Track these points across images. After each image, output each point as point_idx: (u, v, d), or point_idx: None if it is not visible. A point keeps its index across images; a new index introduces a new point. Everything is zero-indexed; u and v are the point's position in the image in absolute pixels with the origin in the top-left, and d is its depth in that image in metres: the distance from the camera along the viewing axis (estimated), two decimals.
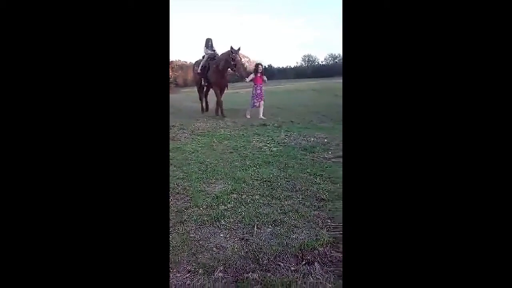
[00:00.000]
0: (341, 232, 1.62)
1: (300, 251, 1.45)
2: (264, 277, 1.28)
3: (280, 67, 44.09)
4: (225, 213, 1.88)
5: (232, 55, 5.92)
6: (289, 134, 4.31)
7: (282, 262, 1.39)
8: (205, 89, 7.08)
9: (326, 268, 1.34)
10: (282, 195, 2.14)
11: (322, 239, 1.54)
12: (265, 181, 2.43)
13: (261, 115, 5.89)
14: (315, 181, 2.39)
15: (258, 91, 5.93)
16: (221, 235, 1.65)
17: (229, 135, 4.43)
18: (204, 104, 7.17)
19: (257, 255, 1.44)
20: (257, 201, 2.06)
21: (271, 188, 2.28)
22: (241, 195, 2.18)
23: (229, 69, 5.99)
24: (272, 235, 1.63)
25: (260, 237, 1.61)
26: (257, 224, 1.74)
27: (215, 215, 1.85)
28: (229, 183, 2.41)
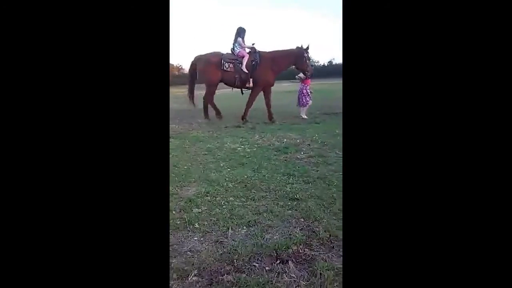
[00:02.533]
0: (314, 230, 1.66)
1: (274, 251, 1.47)
2: (239, 279, 1.28)
3: None
4: (199, 216, 1.86)
5: (306, 55, 5.51)
6: (263, 135, 4.35)
7: (257, 263, 1.40)
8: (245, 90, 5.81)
9: (300, 266, 1.37)
10: (257, 196, 2.15)
11: (295, 238, 1.57)
12: (239, 183, 2.43)
13: (305, 115, 5.96)
14: (289, 181, 2.43)
15: (305, 91, 6.01)
16: (195, 238, 1.63)
17: (202, 137, 4.37)
18: (214, 108, 5.82)
19: (232, 257, 1.43)
20: (232, 202, 2.06)
21: (246, 189, 2.29)
22: (215, 197, 2.16)
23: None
24: (246, 236, 1.63)
25: (235, 238, 1.61)
26: (232, 226, 1.74)
27: (188, 218, 1.82)
28: (203, 185, 2.39)
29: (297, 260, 1.41)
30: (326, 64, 37.10)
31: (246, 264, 1.39)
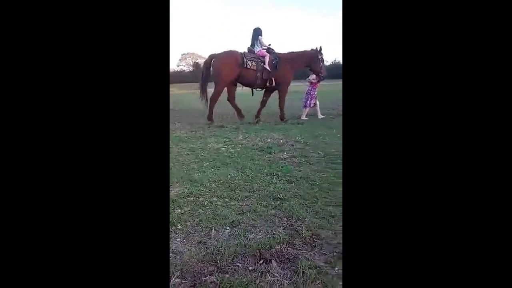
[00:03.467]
0: (296, 230, 1.68)
1: (258, 251, 1.48)
2: (222, 279, 1.27)
3: None
4: (181, 217, 1.84)
5: (320, 57, 5.60)
6: (246, 136, 4.35)
7: (240, 263, 1.40)
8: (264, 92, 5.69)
9: (283, 265, 1.38)
10: (240, 196, 2.15)
11: (279, 238, 1.58)
12: (223, 183, 2.42)
13: (320, 115, 6.03)
14: (272, 181, 2.45)
15: (313, 93, 6.04)
16: (177, 240, 1.61)
17: (185, 137, 4.32)
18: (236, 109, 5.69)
19: (215, 258, 1.42)
20: (215, 203, 2.05)
21: (229, 190, 2.28)
22: (198, 198, 2.14)
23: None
24: (230, 236, 1.63)
25: (218, 239, 1.60)
26: (215, 227, 1.73)
27: (171, 219, 1.79)
28: (186, 186, 2.36)
29: (280, 259, 1.42)
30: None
31: (230, 265, 1.38)
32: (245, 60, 5.26)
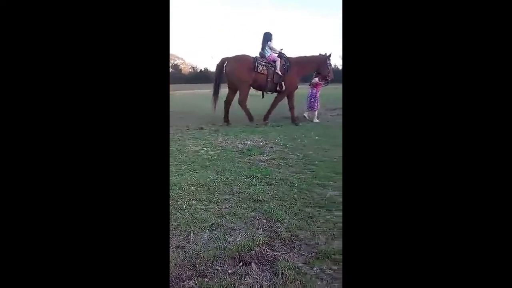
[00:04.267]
0: (276, 231, 1.70)
1: (237, 253, 1.47)
2: (202, 283, 1.26)
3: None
4: None
5: (329, 62, 5.78)
6: (226, 138, 4.33)
7: (220, 266, 1.39)
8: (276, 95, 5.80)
9: (262, 267, 1.39)
10: (220, 199, 2.14)
11: (258, 240, 1.59)
12: (202, 186, 2.40)
13: (316, 118, 6.18)
14: (252, 183, 2.45)
15: (318, 95, 6.26)
16: None
17: None
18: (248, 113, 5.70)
19: (194, 262, 1.41)
20: (194, 206, 2.02)
21: (208, 193, 2.26)
22: (177, 201, 2.10)
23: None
24: (209, 240, 1.61)
25: (197, 243, 1.58)
26: (194, 230, 1.70)
27: None
28: None
29: (260, 261, 1.43)
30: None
31: (209, 268, 1.37)
32: (256, 64, 5.39)
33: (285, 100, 5.83)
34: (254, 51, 5.89)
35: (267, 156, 3.34)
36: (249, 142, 4.03)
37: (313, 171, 2.77)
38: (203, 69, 42.73)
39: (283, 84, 5.56)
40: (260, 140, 4.19)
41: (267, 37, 5.61)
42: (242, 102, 5.56)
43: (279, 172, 2.76)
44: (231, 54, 5.67)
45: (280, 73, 5.46)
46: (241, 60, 5.49)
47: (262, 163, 3.10)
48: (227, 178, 2.57)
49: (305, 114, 6.46)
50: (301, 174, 2.69)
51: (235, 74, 5.41)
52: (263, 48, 5.62)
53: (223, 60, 5.55)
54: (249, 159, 3.22)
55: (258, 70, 5.41)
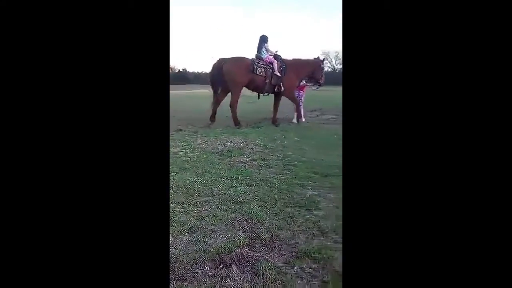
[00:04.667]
0: (256, 232, 1.70)
1: (217, 255, 1.46)
2: (181, 287, 1.23)
3: (196, 72, 43.44)
4: None
5: (322, 66, 6.03)
6: (206, 140, 4.28)
7: (200, 269, 1.36)
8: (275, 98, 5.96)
9: (243, 268, 1.38)
10: (199, 201, 2.11)
11: (238, 241, 1.58)
12: (181, 188, 2.35)
13: (296, 119, 6.16)
14: (232, 185, 2.44)
15: (303, 98, 6.36)
16: None
17: None
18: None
19: (173, 266, 1.37)
20: (173, 209, 1.98)
21: (188, 195, 2.22)
22: None
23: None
24: (189, 243, 1.59)
25: (176, 246, 1.54)
26: (173, 233, 1.67)
27: None
28: None
29: (240, 263, 1.42)
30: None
31: (188, 272, 1.34)
32: (255, 66, 5.42)
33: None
34: (245, 52, 5.94)
35: (248, 157, 3.34)
36: (229, 144, 4.01)
37: (292, 172, 2.80)
38: (181, 70, 42.15)
39: (281, 85, 5.65)
40: (241, 141, 4.18)
41: (264, 39, 5.68)
42: (233, 105, 5.51)
43: (259, 173, 2.76)
44: (217, 55, 5.71)
45: (279, 74, 5.56)
46: (239, 61, 5.48)
47: (242, 164, 3.09)
48: (207, 180, 2.54)
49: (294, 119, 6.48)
50: (281, 175, 2.71)
51: (231, 76, 5.37)
52: (259, 50, 5.67)
53: (221, 61, 5.51)
54: (230, 161, 3.20)
55: (257, 72, 5.43)
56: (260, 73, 5.47)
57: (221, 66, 5.45)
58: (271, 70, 5.56)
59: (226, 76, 5.40)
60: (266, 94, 5.86)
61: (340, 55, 42.09)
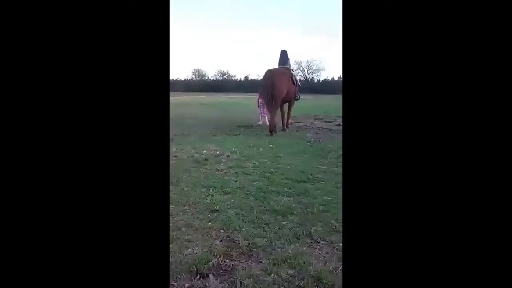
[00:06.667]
0: (234, 240, 1.70)
1: (194, 266, 1.44)
2: None
3: (171, 79, 42.70)
4: None
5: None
6: (181, 147, 4.22)
7: (176, 281, 1.34)
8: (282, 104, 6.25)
9: (220, 278, 1.38)
10: (175, 211, 2.07)
11: (215, 250, 1.57)
12: None
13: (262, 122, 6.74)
14: (209, 193, 2.42)
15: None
16: None
17: None
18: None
19: None
20: None
21: None
22: None
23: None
24: None
25: None
26: None
27: None
28: None
29: (218, 272, 1.41)
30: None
31: None
32: (293, 77, 6.07)
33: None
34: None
35: (224, 165, 3.33)
36: (205, 152, 3.98)
37: (268, 178, 2.84)
38: None
39: (297, 94, 6.28)
40: (217, 149, 4.16)
41: (287, 53, 6.37)
42: (273, 112, 5.73)
43: (236, 181, 2.77)
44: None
45: (299, 83, 6.31)
46: (285, 72, 5.99)
47: (219, 172, 3.08)
48: (183, 189, 2.50)
49: (260, 122, 6.81)
50: (257, 182, 2.73)
51: (280, 88, 5.68)
52: (285, 62, 6.28)
53: (270, 72, 5.87)
54: (205, 169, 3.18)
55: (294, 82, 6.04)
56: (295, 82, 6.10)
57: (271, 77, 5.75)
58: (296, 81, 6.26)
59: (275, 88, 5.68)
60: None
61: (312, 64, 43.61)
